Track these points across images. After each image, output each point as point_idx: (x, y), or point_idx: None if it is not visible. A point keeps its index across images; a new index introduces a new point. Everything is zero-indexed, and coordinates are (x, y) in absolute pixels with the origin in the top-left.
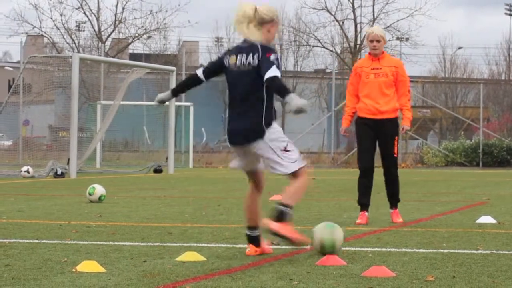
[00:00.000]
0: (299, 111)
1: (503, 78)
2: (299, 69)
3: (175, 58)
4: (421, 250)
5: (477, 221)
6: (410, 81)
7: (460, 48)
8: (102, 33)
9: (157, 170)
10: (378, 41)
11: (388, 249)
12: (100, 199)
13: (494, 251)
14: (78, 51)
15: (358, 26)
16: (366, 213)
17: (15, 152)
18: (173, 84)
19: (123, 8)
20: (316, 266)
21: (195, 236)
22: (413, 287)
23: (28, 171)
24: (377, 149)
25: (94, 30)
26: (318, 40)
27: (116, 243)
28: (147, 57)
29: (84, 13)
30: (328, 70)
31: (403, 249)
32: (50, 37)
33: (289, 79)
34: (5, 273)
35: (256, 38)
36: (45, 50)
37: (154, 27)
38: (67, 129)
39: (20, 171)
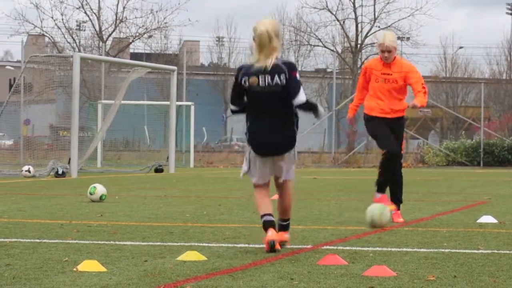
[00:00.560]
0: (320, 116)
1: (504, 77)
2: (300, 69)
3: (176, 57)
4: (422, 250)
5: (478, 221)
6: None
7: (461, 47)
8: (103, 32)
9: (158, 170)
10: (389, 51)
11: (389, 249)
12: (101, 199)
13: (495, 251)
14: (79, 51)
15: (359, 25)
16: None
17: (16, 151)
18: (174, 84)
19: (124, 8)
20: (317, 266)
21: (196, 235)
22: (414, 287)
23: (29, 171)
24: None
25: (95, 29)
26: (319, 39)
27: (117, 242)
28: (148, 57)
29: (85, 12)
30: (329, 70)
31: (404, 249)
32: (51, 37)
33: None
34: (6, 272)
35: (278, 53)
36: (46, 50)
37: (155, 26)
38: (68, 128)
39: (21, 171)
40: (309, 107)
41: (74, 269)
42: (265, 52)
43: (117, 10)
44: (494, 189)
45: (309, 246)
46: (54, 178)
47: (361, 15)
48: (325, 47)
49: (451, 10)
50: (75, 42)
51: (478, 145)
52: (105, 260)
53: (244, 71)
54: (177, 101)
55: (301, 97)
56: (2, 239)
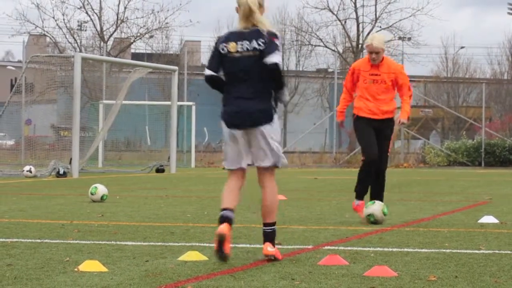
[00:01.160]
0: (283, 103)
1: (505, 77)
2: (301, 69)
3: (177, 57)
4: (423, 250)
5: (479, 221)
6: (413, 81)
7: (462, 47)
8: (104, 32)
9: (159, 170)
10: (377, 52)
11: (390, 249)
12: (102, 199)
13: (496, 251)
14: (80, 51)
15: (360, 25)
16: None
17: (18, 151)
18: (175, 84)
19: (125, 8)
20: (318, 266)
21: (197, 235)
22: (415, 287)
23: (30, 171)
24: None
25: (96, 29)
26: (320, 39)
27: (118, 242)
28: (149, 57)
29: (86, 12)
30: (330, 70)
31: (405, 249)
32: (52, 37)
33: (291, 79)
34: (7, 272)
35: (265, 23)
36: (47, 50)
37: (156, 27)
38: (69, 128)
39: (22, 171)
40: (279, 74)
41: (75, 269)
42: (248, 23)
43: (118, 10)
44: (495, 189)
45: (310, 246)
46: (55, 178)
47: (362, 15)
48: (326, 47)
49: (452, 10)
50: (76, 42)
51: (479, 145)
52: (106, 260)
53: (223, 39)
54: (178, 101)
55: (274, 58)
56: (3, 239)
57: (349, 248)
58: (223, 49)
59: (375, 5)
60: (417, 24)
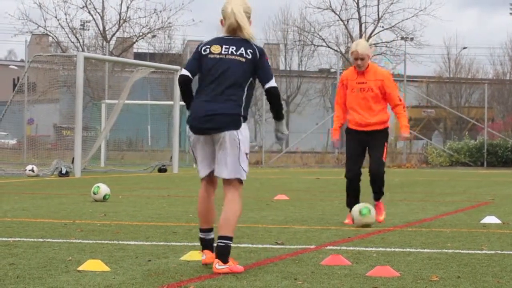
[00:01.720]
0: (282, 138)
1: (507, 78)
2: (303, 69)
3: (180, 57)
4: (425, 250)
5: (481, 221)
6: (415, 81)
7: (464, 48)
8: (107, 32)
9: (162, 170)
10: (362, 59)
11: (393, 249)
12: (104, 198)
13: (499, 251)
14: (83, 50)
15: (363, 25)
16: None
17: (20, 151)
18: (177, 84)
19: (128, 7)
20: (321, 266)
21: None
22: (418, 287)
23: (32, 170)
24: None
25: (99, 29)
26: (323, 39)
27: (120, 242)
28: (152, 56)
29: (89, 12)
30: (332, 70)
31: (408, 249)
32: (55, 36)
33: (293, 79)
34: (9, 271)
35: (252, 34)
36: (49, 49)
37: (159, 26)
38: (72, 128)
39: (24, 170)
40: (278, 98)
41: (78, 269)
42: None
43: (120, 9)
44: (498, 189)
45: (312, 246)
46: (57, 177)
47: (365, 15)
48: (328, 47)
49: (455, 11)
50: (79, 42)
51: (481, 145)
52: (108, 259)
53: (207, 42)
54: (180, 101)
55: (274, 82)
56: (6, 238)
57: (351, 248)
58: (205, 50)
59: (378, 5)
60: (420, 24)
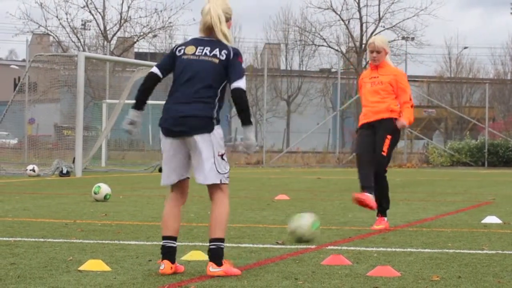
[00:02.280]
0: (249, 148)
1: (509, 78)
2: (304, 69)
3: None
4: (426, 250)
5: (482, 221)
6: (416, 81)
7: (465, 48)
8: (108, 32)
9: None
10: (378, 52)
11: (393, 249)
12: (105, 198)
13: (500, 251)
14: (84, 50)
15: (364, 25)
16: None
17: (21, 150)
18: None
19: (129, 7)
20: (321, 266)
21: (200, 235)
22: (419, 287)
23: (33, 170)
24: None
25: (100, 29)
26: (324, 39)
27: (121, 242)
28: (153, 56)
29: (90, 12)
30: (333, 70)
31: (408, 249)
32: (56, 36)
33: (294, 79)
34: (10, 271)
35: (229, 38)
36: (50, 49)
37: (159, 26)
38: (73, 128)
39: (25, 170)
40: (245, 100)
41: (79, 269)
42: (211, 35)
43: (121, 9)
44: (499, 189)
45: (313, 246)
46: (58, 177)
47: (366, 15)
48: (329, 47)
49: (455, 10)
50: (80, 42)
51: (482, 145)
52: (109, 259)
53: (182, 43)
54: None
55: (240, 83)
56: (7, 238)
57: (352, 248)
58: (179, 51)
59: (379, 5)
60: (421, 24)
